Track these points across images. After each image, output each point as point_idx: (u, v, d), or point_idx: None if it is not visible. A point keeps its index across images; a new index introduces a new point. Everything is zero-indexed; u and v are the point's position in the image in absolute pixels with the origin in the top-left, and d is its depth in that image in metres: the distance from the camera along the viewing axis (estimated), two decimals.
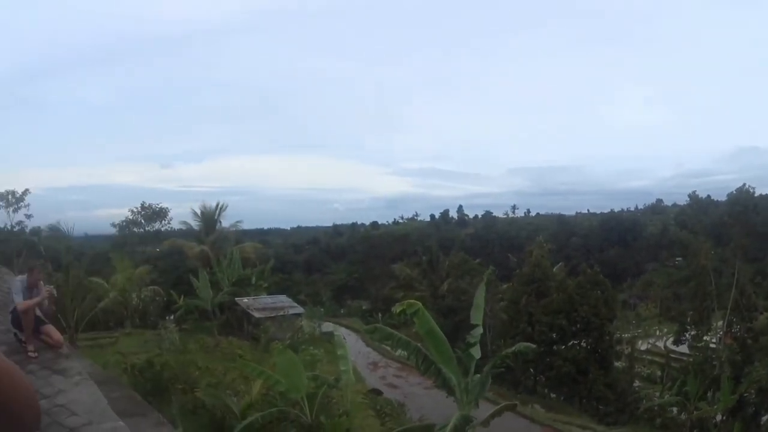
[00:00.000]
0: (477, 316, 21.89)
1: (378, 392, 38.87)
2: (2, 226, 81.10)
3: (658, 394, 50.70)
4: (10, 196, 77.36)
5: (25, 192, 77.89)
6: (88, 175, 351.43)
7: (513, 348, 22.90)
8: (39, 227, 77.63)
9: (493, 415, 20.98)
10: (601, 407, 50.76)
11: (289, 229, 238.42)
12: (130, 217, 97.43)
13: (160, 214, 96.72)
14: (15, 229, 76.34)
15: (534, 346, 27.26)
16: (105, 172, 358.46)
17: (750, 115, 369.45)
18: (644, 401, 48.59)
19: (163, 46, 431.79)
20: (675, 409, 44.05)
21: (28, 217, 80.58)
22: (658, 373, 59.20)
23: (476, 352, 20.99)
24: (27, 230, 78.82)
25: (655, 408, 45.74)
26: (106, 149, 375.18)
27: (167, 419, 13.57)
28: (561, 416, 41.39)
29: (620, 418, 47.80)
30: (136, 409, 12.12)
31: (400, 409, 34.41)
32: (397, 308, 20.62)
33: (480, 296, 23.21)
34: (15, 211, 77.54)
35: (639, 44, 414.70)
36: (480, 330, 21.41)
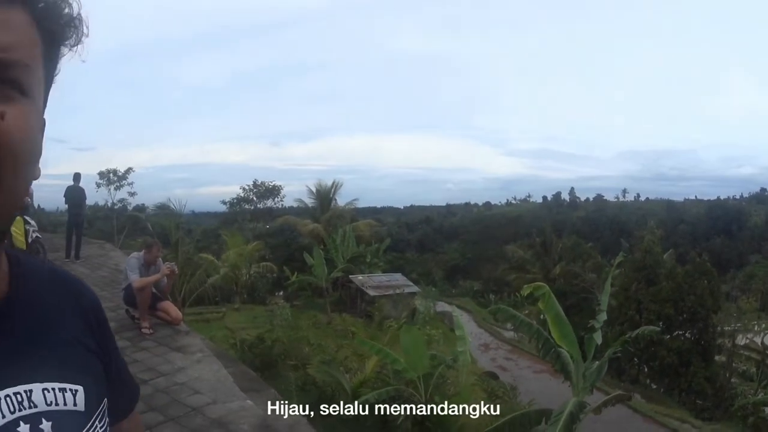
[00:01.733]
0: (604, 301, 21.83)
1: (494, 376, 38.51)
2: (103, 203, 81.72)
3: (752, 391, 48.68)
4: (111, 175, 77.64)
5: (128, 170, 77.65)
6: (193, 153, 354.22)
7: (636, 331, 22.79)
8: (143, 204, 79.24)
9: (605, 404, 20.72)
10: (698, 401, 49.72)
11: (402, 208, 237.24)
12: (242, 195, 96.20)
13: (273, 191, 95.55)
14: (116, 207, 76.69)
15: (657, 329, 27.20)
16: (212, 151, 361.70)
17: None
18: (739, 398, 46.88)
19: (271, 26, 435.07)
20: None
21: (132, 194, 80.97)
22: (753, 369, 56.62)
23: (598, 338, 20.65)
24: (130, 207, 79.08)
25: (749, 406, 45.06)
26: (213, 128, 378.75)
27: (280, 395, 12.83)
28: (661, 408, 41.06)
29: (715, 413, 46.93)
30: (251, 385, 11.72)
31: (512, 392, 33.94)
32: (525, 290, 20.80)
33: (608, 281, 23.29)
34: (117, 189, 77.67)
35: (752, 26, 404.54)
36: (604, 315, 21.29)
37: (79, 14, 1.23)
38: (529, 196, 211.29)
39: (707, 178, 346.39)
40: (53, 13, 1.20)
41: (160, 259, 13.25)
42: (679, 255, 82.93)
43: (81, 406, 1.35)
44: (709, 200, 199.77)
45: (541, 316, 24.01)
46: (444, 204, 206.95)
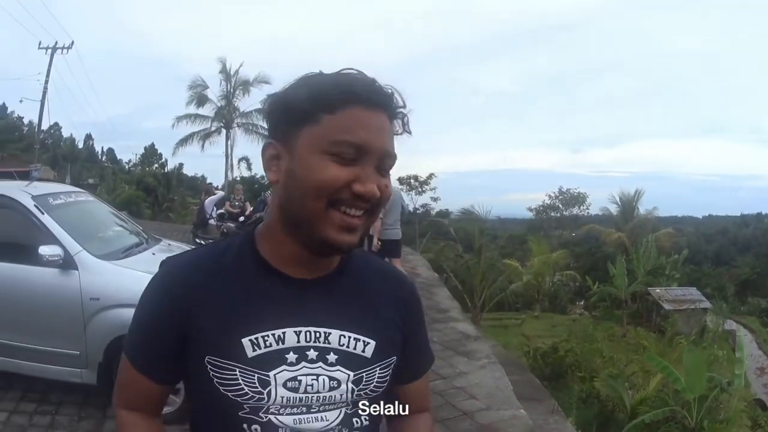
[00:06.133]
0: None
1: (763, 406, 36.61)
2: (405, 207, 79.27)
3: None
4: (412, 180, 78.63)
5: (430, 176, 79.61)
6: (495, 159, 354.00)
7: None
8: (447, 210, 78.98)
9: None
10: None
11: (701, 217, 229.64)
12: (547, 201, 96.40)
13: (578, 199, 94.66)
14: (419, 211, 76.94)
15: None
16: (514, 157, 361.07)
17: None
18: None
19: (567, 30, 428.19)
20: None
21: (435, 200, 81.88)
22: None
23: None
24: (433, 213, 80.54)
25: None
26: (512, 134, 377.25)
27: (560, 406, 12.80)
28: None
29: None
30: (534, 394, 11.73)
31: None
32: None
33: None
34: (419, 194, 78.84)
35: None
36: None
37: (404, 106, 1.86)
38: None
39: None
40: (399, 115, 1.85)
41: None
42: None
43: (369, 354, 1.90)
44: None
45: None
46: (738, 214, 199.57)
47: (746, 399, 32.67)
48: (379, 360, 1.94)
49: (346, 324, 1.89)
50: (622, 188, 69.98)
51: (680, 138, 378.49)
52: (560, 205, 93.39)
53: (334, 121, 1.72)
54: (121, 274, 7.48)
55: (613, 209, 70.41)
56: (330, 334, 1.87)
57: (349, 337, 1.90)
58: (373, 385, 1.93)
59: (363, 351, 1.91)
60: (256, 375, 1.79)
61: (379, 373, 1.95)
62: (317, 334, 1.86)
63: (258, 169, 58.07)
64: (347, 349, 1.89)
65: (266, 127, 1.93)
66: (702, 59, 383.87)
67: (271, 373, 1.80)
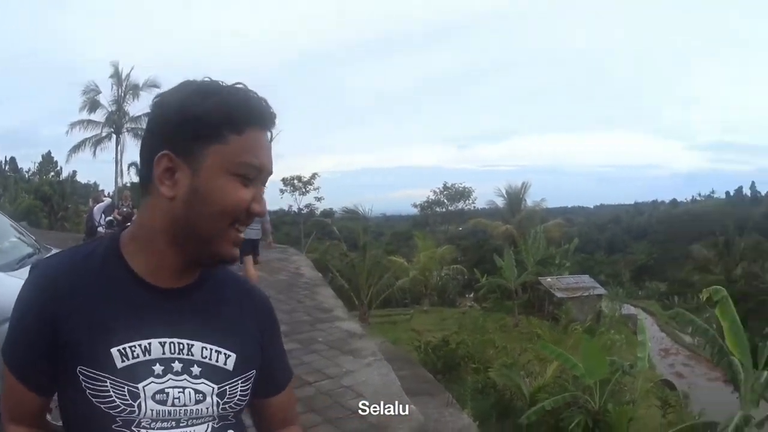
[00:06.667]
0: None
1: (669, 384, 37.27)
2: (287, 209, 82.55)
3: None
4: (296, 181, 77.29)
5: (313, 176, 77.73)
6: (383, 158, 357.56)
7: None
8: (331, 209, 78.27)
9: None
10: None
11: (592, 207, 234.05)
12: (432, 197, 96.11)
13: (464, 193, 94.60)
14: (303, 212, 77.32)
15: None
16: (402, 155, 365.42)
17: None
18: None
19: (455, 30, 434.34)
20: None
21: (318, 199, 79.62)
22: None
23: None
24: (317, 212, 79.39)
25: None
26: (402, 133, 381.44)
27: (455, 399, 13.44)
28: None
29: None
30: (425, 388, 12.13)
31: (684, 401, 33.59)
32: (704, 294, 20.37)
33: None
34: (303, 194, 78.33)
35: None
36: None
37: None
38: (713, 192, 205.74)
39: None
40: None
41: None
42: None
43: (230, 367, 1.87)
44: None
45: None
46: (632, 202, 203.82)
47: (652, 380, 33.25)
48: (240, 373, 1.94)
49: (208, 336, 1.88)
50: (510, 182, 70.74)
51: (572, 131, 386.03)
52: (445, 201, 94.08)
53: (240, 141, 1.74)
54: (14, 284, 7.17)
55: (500, 202, 71.20)
56: (193, 345, 1.86)
57: (211, 350, 1.89)
58: (236, 398, 1.93)
59: (225, 364, 1.90)
60: (126, 387, 1.75)
61: (241, 387, 1.95)
62: (181, 346, 1.84)
63: None
64: (210, 362, 1.88)
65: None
66: (591, 56, 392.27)
67: (140, 385, 1.76)
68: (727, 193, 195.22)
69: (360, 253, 44.97)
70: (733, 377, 20.72)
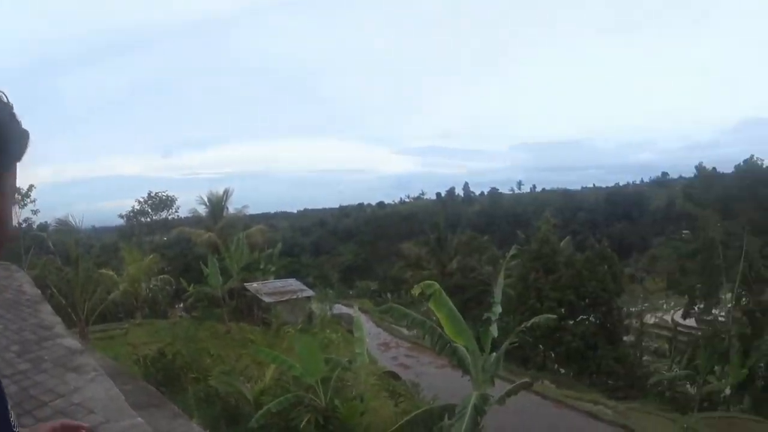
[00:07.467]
0: (497, 293, 21.92)
1: (394, 375, 38.63)
2: None
3: (666, 367, 50.81)
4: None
5: (30, 188, 75.59)
6: (93, 168, 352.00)
7: (531, 321, 22.71)
8: (46, 222, 75.41)
9: (509, 393, 20.69)
10: (610, 382, 50.92)
11: (296, 212, 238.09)
12: (137, 208, 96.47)
13: (167, 202, 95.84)
14: (23, 226, 74.92)
15: (554, 317, 27.51)
16: (110, 164, 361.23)
17: (754, 86, 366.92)
18: (654, 375, 48.68)
19: (159, 39, 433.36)
20: (688, 384, 44.11)
21: (35, 212, 77.01)
22: (666, 346, 59.28)
23: (494, 330, 20.82)
24: (35, 226, 77.03)
25: (665, 382, 45.87)
26: (109, 141, 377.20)
27: (181, 409, 13.45)
28: (571, 392, 41.15)
29: (630, 392, 47.57)
30: (151, 401, 12.12)
31: (414, 389, 34.18)
32: (415, 289, 20.61)
33: (501, 274, 23.55)
34: (21, 207, 75.76)
35: (643, 14, 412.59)
36: (499, 308, 21.36)
37: None
38: (422, 194, 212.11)
39: (605, 166, 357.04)
40: None
41: None
42: (578, 242, 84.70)
43: None
44: (607, 187, 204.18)
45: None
46: (337, 206, 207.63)
47: (375, 373, 33.66)
48: None
49: None
50: (212, 189, 70.35)
51: (278, 139, 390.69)
52: (149, 210, 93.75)
53: (15, 170, 1.77)
54: None
55: (203, 210, 70.58)
56: None
57: None
58: None
59: None
60: None
61: None
62: None
63: None
64: None
65: None
66: (300, 66, 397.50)
67: None
68: (438, 194, 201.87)
69: (74, 267, 43.84)
70: (460, 362, 21.18)
